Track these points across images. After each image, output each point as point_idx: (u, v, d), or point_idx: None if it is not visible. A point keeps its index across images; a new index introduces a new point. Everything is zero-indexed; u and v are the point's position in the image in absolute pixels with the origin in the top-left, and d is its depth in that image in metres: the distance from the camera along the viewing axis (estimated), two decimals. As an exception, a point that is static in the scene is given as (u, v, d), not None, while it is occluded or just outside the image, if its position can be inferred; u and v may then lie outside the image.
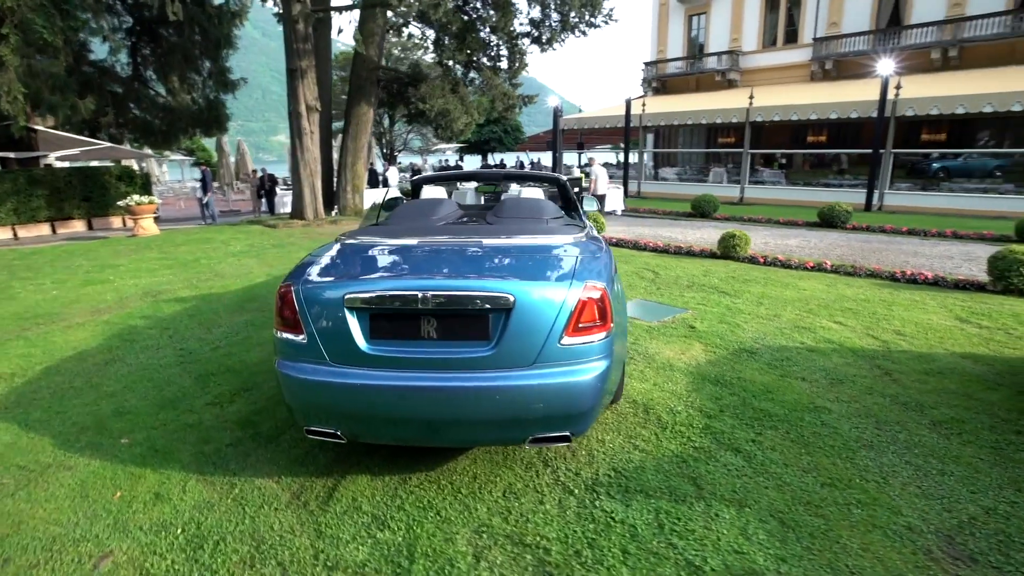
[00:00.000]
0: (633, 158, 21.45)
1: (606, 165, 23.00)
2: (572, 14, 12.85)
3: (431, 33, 13.09)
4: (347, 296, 2.14)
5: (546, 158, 30.62)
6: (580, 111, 22.77)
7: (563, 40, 13.18)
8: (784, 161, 21.23)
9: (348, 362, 2.15)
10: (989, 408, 3.02)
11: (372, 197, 14.84)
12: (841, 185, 16.32)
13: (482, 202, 4.76)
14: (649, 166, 23.44)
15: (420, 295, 2.09)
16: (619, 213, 14.10)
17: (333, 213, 12.26)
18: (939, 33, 17.94)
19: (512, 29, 12.98)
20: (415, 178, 4.45)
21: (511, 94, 13.92)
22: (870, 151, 13.72)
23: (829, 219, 10.40)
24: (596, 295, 2.17)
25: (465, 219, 3.42)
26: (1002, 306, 4.98)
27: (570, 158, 31.16)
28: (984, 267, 5.94)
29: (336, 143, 15.12)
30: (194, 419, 3.06)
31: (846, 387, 3.31)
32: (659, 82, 25.22)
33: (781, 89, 19.47)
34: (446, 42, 12.59)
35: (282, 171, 22.36)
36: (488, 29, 12.88)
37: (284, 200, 15.87)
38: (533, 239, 2.63)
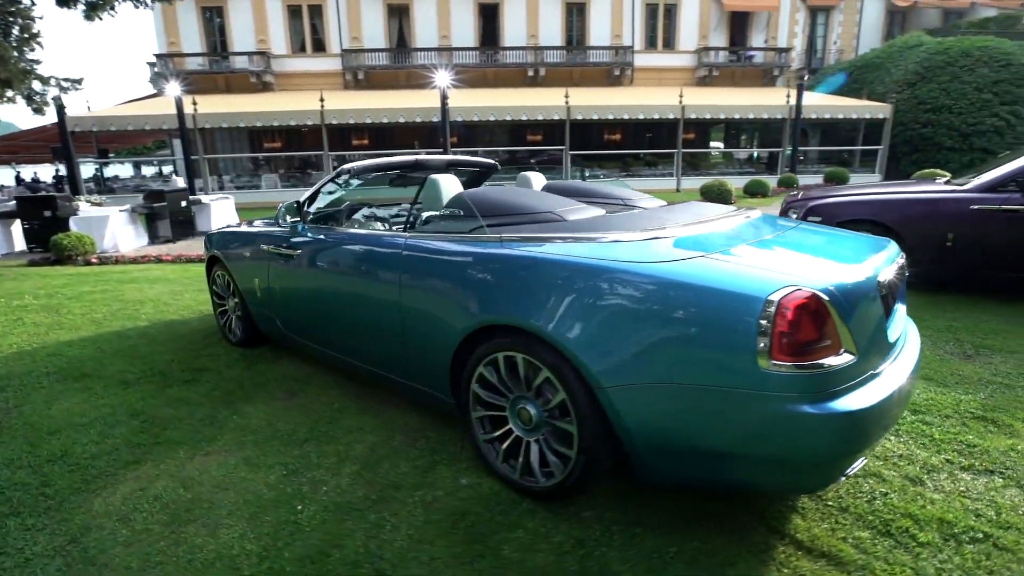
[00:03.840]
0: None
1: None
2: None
3: None
4: (879, 280, 1.70)
5: (43, 171, 21.81)
6: (90, 109, 17.15)
7: (114, 8, 9.85)
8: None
9: (883, 360, 1.71)
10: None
11: None
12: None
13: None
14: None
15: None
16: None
17: None
18: (437, 57, 22.40)
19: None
20: (352, 170, 2.96)
21: (34, 72, 9.49)
22: (439, 149, 16.21)
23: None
24: None
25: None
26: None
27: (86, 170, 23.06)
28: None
29: None
30: None
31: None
32: (179, 79, 21.70)
33: (321, 95, 20.12)
34: None
35: None
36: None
37: None
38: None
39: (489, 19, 23.14)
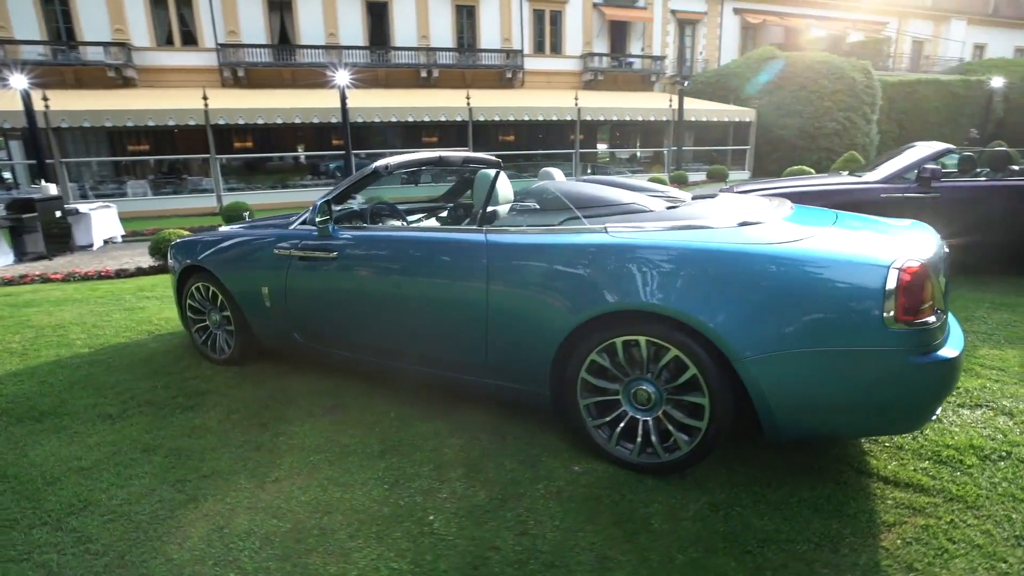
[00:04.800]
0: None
1: None
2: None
3: None
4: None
5: None
6: None
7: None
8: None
9: (948, 318, 2.05)
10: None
11: None
12: (308, 185, 17.68)
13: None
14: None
15: None
16: (119, 240, 10.59)
17: None
18: (325, 55, 21.38)
19: None
20: (388, 167, 2.82)
21: None
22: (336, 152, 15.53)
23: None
24: None
25: None
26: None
27: None
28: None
29: None
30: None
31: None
32: (20, 70, 18.57)
33: (204, 92, 18.42)
34: None
35: None
36: None
37: None
38: None
39: (378, 18, 22.53)
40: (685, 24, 26.68)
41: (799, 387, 1.84)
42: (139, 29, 19.68)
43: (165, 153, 19.51)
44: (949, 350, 1.83)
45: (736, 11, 26.96)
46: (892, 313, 1.72)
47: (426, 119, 17.16)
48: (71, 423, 2.84)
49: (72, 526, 2.04)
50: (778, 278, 1.82)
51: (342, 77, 14.81)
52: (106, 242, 10.13)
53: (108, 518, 2.08)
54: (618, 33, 25.74)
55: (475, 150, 19.01)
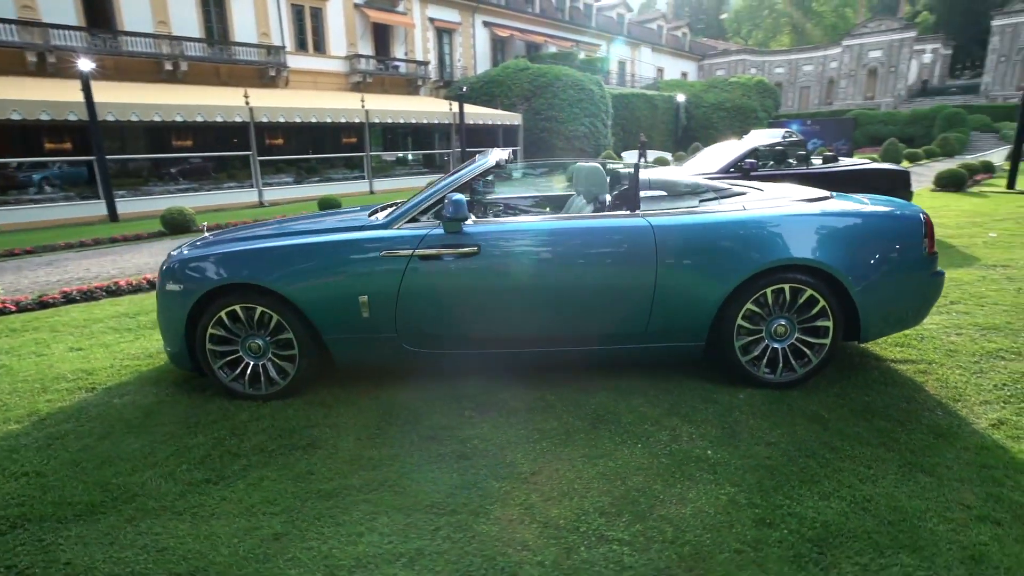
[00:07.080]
0: None
1: None
2: None
3: None
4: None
5: None
6: None
7: None
8: None
9: None
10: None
11: None
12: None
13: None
14: None
15: None
16: None
17: None
18: (23, 34, 16.69)
19: None
20: (507, 159, 2.94)
21: None
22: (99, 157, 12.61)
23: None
24: None
25: None
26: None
27: None
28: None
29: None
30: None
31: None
32: None
33: None
34: None
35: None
36: None
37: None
38: None
39: (94, -5, 18.38)
40: (443, 32, 28.16)
41: (882, 303, 2.81)
42: None
43: None
44: (941, 269, 2.99)
45: (486, 24, 29.52)
46: (927, 246, 2.78)
47: (199, 118, 14.94)
48: (171, 502, 2.27)
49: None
50: (869, 230, 2.78)
51: (85, 63, 12.03)
52: None
53: (404, 562, 1.87)
54: (382, 36, 25.84)
55: (239, 152, 17.28)
